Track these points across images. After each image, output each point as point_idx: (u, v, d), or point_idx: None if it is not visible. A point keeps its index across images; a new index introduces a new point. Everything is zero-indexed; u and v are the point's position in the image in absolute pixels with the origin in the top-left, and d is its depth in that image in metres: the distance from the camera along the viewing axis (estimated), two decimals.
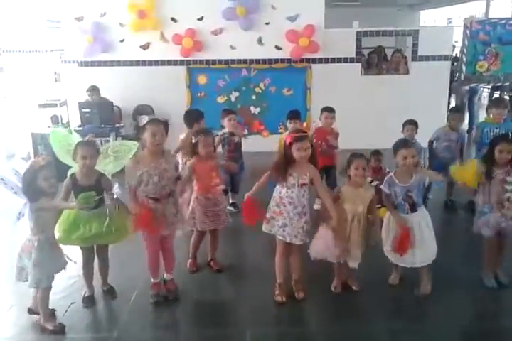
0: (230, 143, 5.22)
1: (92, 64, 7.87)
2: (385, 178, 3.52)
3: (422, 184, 3.49)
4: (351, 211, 3.40)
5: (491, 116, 4.95)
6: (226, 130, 5.23)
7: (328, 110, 5.08)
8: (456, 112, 5.25)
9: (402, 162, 3.39)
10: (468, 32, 6.74)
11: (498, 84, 7.28)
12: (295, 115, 5.19)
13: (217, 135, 4.94)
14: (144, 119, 3.30)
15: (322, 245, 3.36)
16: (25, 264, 3.18)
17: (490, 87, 9.65)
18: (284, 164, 3.32)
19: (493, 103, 5.18)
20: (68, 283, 3.87)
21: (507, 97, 11.59)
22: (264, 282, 3.67)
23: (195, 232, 4.01)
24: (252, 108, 7.96)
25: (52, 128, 2.80)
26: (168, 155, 3.55)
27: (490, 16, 10.37)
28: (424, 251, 3.44)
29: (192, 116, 5.08)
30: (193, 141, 3.77)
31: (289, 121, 5.15)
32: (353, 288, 3.68)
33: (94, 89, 7.18)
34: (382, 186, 3.50)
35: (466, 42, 6.77)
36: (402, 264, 3.55)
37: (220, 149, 5.03)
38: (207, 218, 3.82)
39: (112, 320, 3.43)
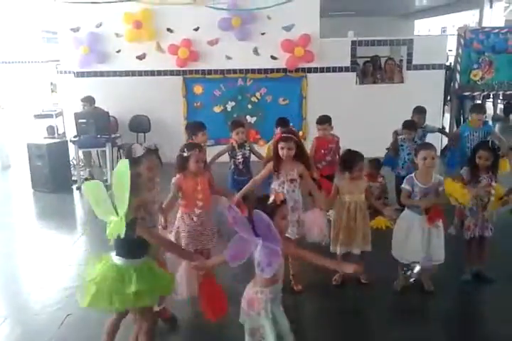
0: (237, 157, 4.98)
1: (88, 74, 7.89)
2: (406, 177, 3.62)
3: (436, 187, 3.50)
4: (351, 200, 3.65)
5: (471, 120, 5.34)
6: (234, 143, 4.98)
7: (319, 122, 5.04)
8: (418, 112, 5.62)
9: (422, 162, 3.48)
10: (462, 41, 6.79)
11: (493, 92, 7.32)
12: (284, 122, 5.14)
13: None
14: (138, 149, 3.14)
15: (317, 228, 3.59)
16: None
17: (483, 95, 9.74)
18: (275, 161, 3.56)
19: (475, 108, 5.48)
20: (64, 295, 3.84)
21: (501, 105, 11.70)
22: None
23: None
24: (248, 117, 7.97)
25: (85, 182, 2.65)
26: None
27: (483, 25, 10.47)
28: (433, 251, 3.52)
29: (190, 129, 4.93)
30: (185, 154, 3.46)
31: (279, 128, 5.02)
32: (362, 280, 3.79)
33: (87, 100, 7.18)
34: (403, 184, 3.59)
35: (460, 51, 6.81)
36: (410, 260, 3.55)
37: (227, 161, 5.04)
38: (192, 238, 3.54)
39: None
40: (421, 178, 3.50)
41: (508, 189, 3.68)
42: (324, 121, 5.02)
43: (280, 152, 3.57)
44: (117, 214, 2.52)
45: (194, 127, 4.89)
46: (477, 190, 3.60)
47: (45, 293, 3.94)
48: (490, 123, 5.21)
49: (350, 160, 3.67)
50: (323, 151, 5.04)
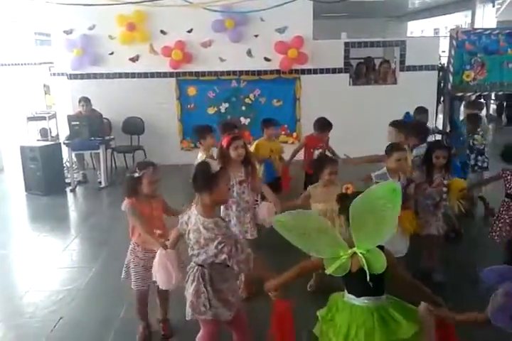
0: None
1: (82, 76, 7.87)
2: (377, 172, 3.71)
3: (403, 186, 3.59)
4: (327, 209, 3.46)
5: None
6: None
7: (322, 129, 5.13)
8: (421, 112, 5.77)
9: (395, 164, 3.60)
10: (454, 42, 6.81)
11: (485, 93, 7.35)
12: (270, 121, 5.20)
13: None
14: (213, 164, 2.85)
15: (265, 211, 3.55)
16: None
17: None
18: (223, 163, 3.32)
19: (469, 105, 5.76)
20: (57, 298, 3.83)
21: (493, 105, 11.77)
22: None
23: (136, 292, 3.17)
24: (242, 119, 7.97)
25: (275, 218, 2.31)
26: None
27: (475, 26, 10.53)
28: (395, 245, 3.46)
29: (199, 132, 4.75)
30: (136, 174, 2.94)
31: (265, 128, 5.10)
32: None
33: (86, 100, 7.17)
34: (373, 175, 3.69)
35: (453, 52, 6.84)
36: None
37: None
38: (147, 272, 2.95)
39: (103, 334, 3.38)
40: (391, 175, 3.62)
41: (471, 183, 3.88)
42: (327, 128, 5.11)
43: (234, 153, 3.52)
44: (343, 246, 2.14)
45: (202, 130, 4.76)
46: (430, 190, 3.75)
47: (38, 296, 3.92)
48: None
49: (317, 165, 3.61)
50: (313, 150, 5.12)
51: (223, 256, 2.39)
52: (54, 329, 3.38)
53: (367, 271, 2.07)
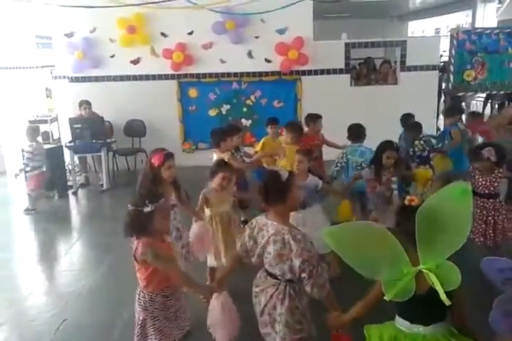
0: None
1: (83, 79, 7.89)
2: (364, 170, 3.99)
3: (314, 186, 3.77)
4: (222, 211, 3.57)
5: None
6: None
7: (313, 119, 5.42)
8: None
9: (298, 166, 3.76)
10: (455, 42, 6.82)
11: (487, 92, 7.36)
12: (274, 120, 5.48)
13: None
14: (284, 174, 2.63)
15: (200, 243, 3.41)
16: None
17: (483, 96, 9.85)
18: (154, 185, 3.01)
19: (448, 112, 5.75)
20: (60, 300, 3.84)
21: (496, 105, 11.73)
22: None
23: None
24: (243, 120, 7.98)
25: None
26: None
27: (476, 26, 10.52)
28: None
29: (218, 135, 4.67)
30: (147, 209, 2.37)
31: (269, 126, 5.43)
32: None
33: (87, 103, 7.18)
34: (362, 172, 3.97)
35: (453, 51, 6.85)
36: None
37: None
38: (170, 323, 2.57)
39: (106, 337, 3.38)
40: (298, 178, 3.69)
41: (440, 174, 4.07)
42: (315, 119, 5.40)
43: (167, 172, 3.24)
44: (407, 263, 1.91)
45: (222, 132, 4.70)
46: (379, 188, 3.95)
47: (41, 298, 3.93)
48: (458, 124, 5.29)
49: (212, 170, 3.62)
50: (308, 147, 5.15)
51: (304, 275, 2.23)
52: (57, 332, 3.39)
53: (441, 290, 1.80)
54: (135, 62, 7.83)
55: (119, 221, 2.54)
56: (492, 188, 3.80)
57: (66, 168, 7.15)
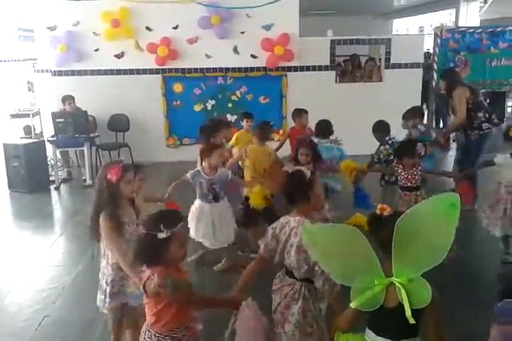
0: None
1: (66, 73, 7.78)
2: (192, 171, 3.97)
3: (224, 179, 3.94)
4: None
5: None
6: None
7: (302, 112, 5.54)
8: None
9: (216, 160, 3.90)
10: (438, 40, 6.89)
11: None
12: (249, 114, 5.59)
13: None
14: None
15: None
16: None
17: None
18: (112, 207, 2.61)
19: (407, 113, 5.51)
20: (42, 296, 3.80)
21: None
22: None
23: None
24: (228, 116, 7.96)
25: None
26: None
27: (459, 25, 10.63)
28: (223, 236, 3.96)
29: (208, 131, 4.64)
30: (163, 235, 2.00)
31: (245, 120, 5.50)
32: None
33: (71, 98, 7.11)
34: (187, 175, 3.94)
35: (437, 50, 6.92)
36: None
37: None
38: None
39: (87, 333, 3.36)
40: (207, 171, 3.91)
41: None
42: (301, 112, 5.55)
43: (127, 188, 2.67)
44: (380, 274, 1.82)
45: (212, 128, 4.68)
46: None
47: (22, 295, 3.88)
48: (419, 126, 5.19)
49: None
50: (296, 141, 5.29)
51: (317, 268, 2.20)
52: (38, 329, 3.36)
53: (407, 306, 1.72)
54: (119, 56, 7.76)
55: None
56: (414, 181, 4.03)
57: (48, 162, 7.06)
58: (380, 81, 8.12)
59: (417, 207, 1.79)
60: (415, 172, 4.02)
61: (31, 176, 6.57)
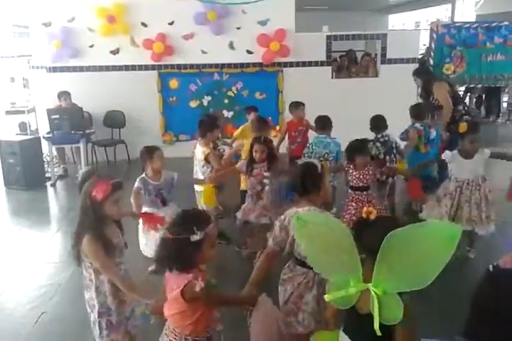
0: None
1: (61, 69, 7.74)
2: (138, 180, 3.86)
3: (170, 181, 3.90)
4: None
5: None
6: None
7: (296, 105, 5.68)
8: None
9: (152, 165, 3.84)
10: (434, 35, 6.88)
11: (465, 85, 7.47)
12: (254, 107, 5.76)
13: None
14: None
15: None
16: None
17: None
18: (98, 227, 2.38)
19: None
20: (39, 292, 3.80)
21: (474, 99, 11.90)
22: None
23: None
24: (224, 112, 7.96)
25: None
26: None
27: (455, 20, 10.63)
28: None
29: (206, 125, 4.66)
30: (197, 237, 1.93)
31: (252, 113, 5.60)
32: None
33: (67, 94, 7.09)
34: (136, 185, 3.82)
35: (433, 45, 6.91)
36: None
37: None
38: None
39: (85, 330, 3.36)
40: (153, 178, 3.85)
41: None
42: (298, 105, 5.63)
43: (113, 208, 2.43)
44: (358, 276, 1.76)
45: (211, 123, 4.71)
46: (251, 180, 3.93)
47: (19, 291, 3.88)
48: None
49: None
50: (294, 133, 5.58)
51: None
52: (35, 325, 3.36)
53: (376, 317, 1.67)
54: (114, 52, 7.73)
55: None
56: (365, 181, 3.98)
57: (44, 159, 7.05)
58: (376, 76, 8.12)
59: (416, 227, 1.68)
60: (367, 172, 3.97)
61: (27, 173, 6.55)
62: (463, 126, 3.96)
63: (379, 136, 4.74)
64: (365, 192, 4.00)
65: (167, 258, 1.97)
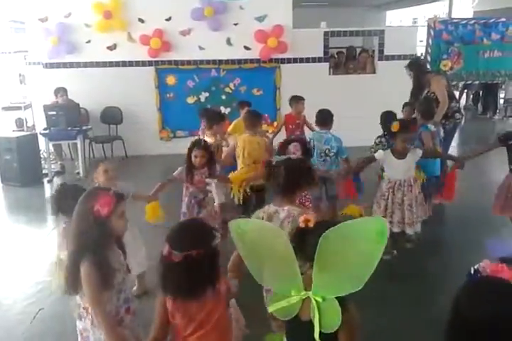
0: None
1: (58, 65, 7.72)
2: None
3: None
4: None
5: None
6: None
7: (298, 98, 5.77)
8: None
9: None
10: (432, 32, 6.89)
11: (462, 82, 7.47)
12: (246, 103, 5.87)
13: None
14: None
15: None
16: None
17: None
18: (101, 250, 2.08)
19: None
20: (36, 289, 3.79)
21: (471, 96, 11.91)
22: None
23: None
24: (222, 108, 7.93)
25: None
26: None
27: (453, 16, 10.62)
28: (140, 258, 3.55)
29: (213, 116, 4.90)
30: (213, 243, 1.83)
31: (246, 109, 5.62)
32: None
33: (64, 90, 7.07)
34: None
35: (430, 41, 6.92)
36: None
37: None
38: None
39: None
40: None
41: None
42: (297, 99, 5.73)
43: (120, 223, 2.15)
44: (299, 286, 1.72)
45: (219, 116, 4.95)
46: (192, 188, 3.67)
47: (16, 288, 3.88)
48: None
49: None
50: (291, 126, 5.71)
51: None
52: (33, 321, 3.36)
53: (316, 325, 1.64)
54: (111, 48, 7.70)
55: None
56: None
57: (41, 155, 7.03)
58: (374, 73, 8.12)
59: (343, 228, 1.65)
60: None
61: (24, 169, 6.53)
62: (395, 126, 3.81)
63: (386, 132, 4.66)
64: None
65: (196, 278, 1.77)
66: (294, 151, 3.53)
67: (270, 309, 1.77)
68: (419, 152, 3.93)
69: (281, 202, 2.41)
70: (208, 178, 3.72)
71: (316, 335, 1.63)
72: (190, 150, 3.66)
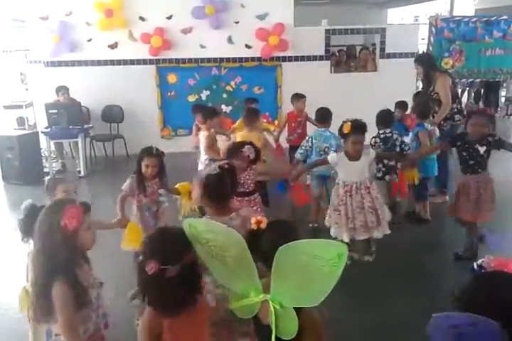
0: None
1: (59, 64, 7.71)
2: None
3: None
4: None
5: None
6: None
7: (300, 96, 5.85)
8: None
9: None
10: (433, 29, 6.88)
11: (464, 80, 7.46)
12: (252, 99, 6.05)
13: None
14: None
15: None
16: None
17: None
18: (71, 269, 1.95)
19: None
20: None
21: (473, 94, 11.88)
22: None
23: None
24: (223, 106, 7.94)
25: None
26: None
27: (454, 14, 10.60)
28: None
29: (208, 111, 5.06)
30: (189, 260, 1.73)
31: (254, 105, 5.80)
32: None
33: (65, 89, 7.07)
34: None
35: (432, 39, 6.91)
36: None
37: None
38: None
39: None
40: None
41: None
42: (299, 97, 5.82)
43: (88, 235, 2.00)
44: (257, 288, 1.70)
45: (214, 111, 5.06)
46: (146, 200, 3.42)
47: (17, 287, 3.87)
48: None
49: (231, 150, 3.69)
50: (293, 124, 5.78)
51: None
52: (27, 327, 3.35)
53: (273, 331, 1.62)
54: (112, 46, 7.69)
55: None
56: (246, 186, 3.60)
57: (42, 154, 7.03)
58: (375, 71, 8.10)
59: (303, 245, 1.60)
60: (247, 177, 3.60)
61: (25, 168, 6.54)
62: (346, 127, 3.69)
63: (381, 131, 4.64)
64: (246, 198, 3.61)
65: (182, 291, 1.69)
66: (249, 154, 3.50)
67: (231, 305, 1.76)
68: (373, 153, 3.86)
69: (212, 212, 2.28)
70: (160, 189, 3.47)
71: (273, 339, 1.62)
72: (140, 159, 3.34)
